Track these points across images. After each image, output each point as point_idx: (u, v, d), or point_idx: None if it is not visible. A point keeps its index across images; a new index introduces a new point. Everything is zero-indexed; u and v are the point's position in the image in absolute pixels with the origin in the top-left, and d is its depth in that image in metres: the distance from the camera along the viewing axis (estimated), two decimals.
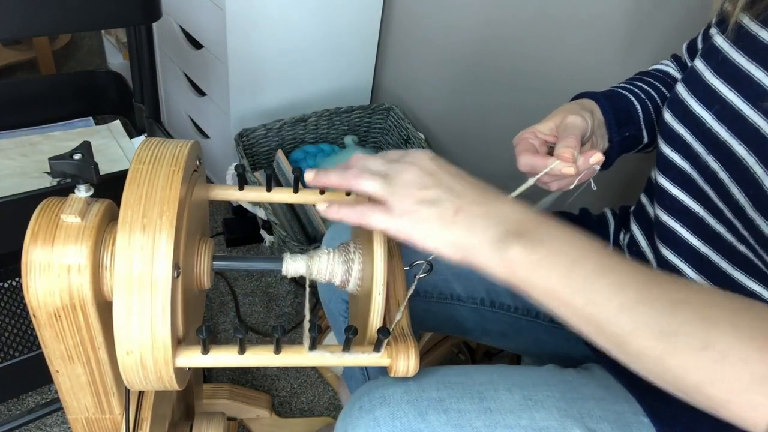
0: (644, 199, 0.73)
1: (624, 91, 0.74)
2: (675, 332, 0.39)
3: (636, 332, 0.41)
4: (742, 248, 0.58)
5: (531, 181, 0.60)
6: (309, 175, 0.52)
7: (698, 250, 0.62)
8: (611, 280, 0.42)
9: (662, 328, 0.40)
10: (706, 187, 0.61)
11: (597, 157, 0.60)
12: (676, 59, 0.79)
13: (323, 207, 0.51)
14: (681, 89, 0.64)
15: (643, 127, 0.73)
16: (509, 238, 0.45)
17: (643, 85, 0.76)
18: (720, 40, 0.61)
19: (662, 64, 0.80)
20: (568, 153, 0.59)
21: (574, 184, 0.63)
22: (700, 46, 0.73)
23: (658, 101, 0.74)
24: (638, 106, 0.73)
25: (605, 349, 0.43)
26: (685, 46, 0.77)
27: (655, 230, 0.67)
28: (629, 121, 0.72)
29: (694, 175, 0.62)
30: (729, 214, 0.58)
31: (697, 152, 0.61)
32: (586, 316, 0.42)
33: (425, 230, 0.46)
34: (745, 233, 0.56)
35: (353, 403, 0.59)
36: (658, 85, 0.76)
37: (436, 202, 0.46)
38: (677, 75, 0.77)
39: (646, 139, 0.74)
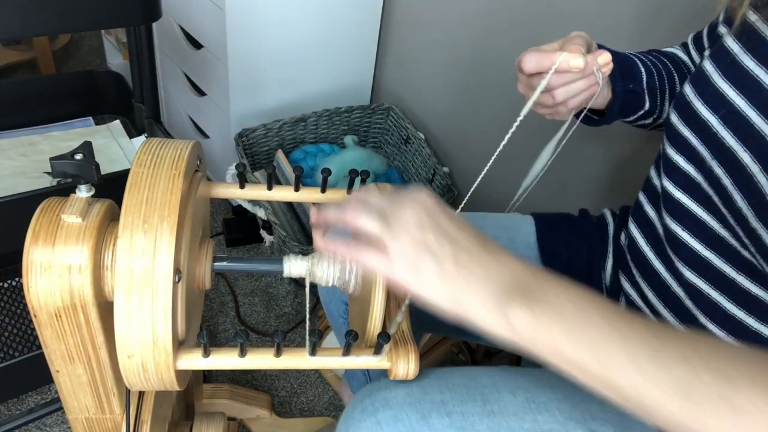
0: (642, 198, 0.72)
1: (628, 54, 0.72)
2: (691, 387, 0.38)
3: (652, 390, 0.39)
4: (746, 254, 0.57)
5: (543, 84, 0.57)
6: (312, 214, 0.52)
7: (699, 254, 0.61)
8: (622, 339, 0.41)
9: (678, 384, 0.39)
10: (711, 192, 0.60)
11: (605, 57, 0.58)
12: (685, 46, 0.78)
13: (319, 243, 0.50)
14: (688, 90, 0.62)
15: (646, 90, 0.71)
16: (511, 298, 0.43)
17: (649, 56, 0.74)
18: (730, 42, 0.59)
19: (670, 47, 0.79)
20: (575, 48, 0.57)
21: (580, 92, 0.60)
22: (706, 42, 0.72)
23: (663, 74, 0.73)
24: (642, 69, 0.71)
25: (622, 406, 0.42)
26: (691, 37, 0.75)
27: (663, 235, 0.66)
28: (633, 77, 0.70)
29: (699, 178, 0.61)
30: (732, 221, 0.57)
31: (702, 156, 0.60)
32: (599, 376, 0.41)
33: (423, 282, 0.45)
34: (747, 241, 0.56)
35: (355, 406, 0.58)
36: (665, 60, 0.75)
37: (435, 252, 0.45)
38: (685, 58, 0.76)
39: (647, 105, 0.72)
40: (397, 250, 0.45)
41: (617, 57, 0.69)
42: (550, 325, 0.42)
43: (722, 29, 0.64)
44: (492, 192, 1.40)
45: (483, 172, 0.56)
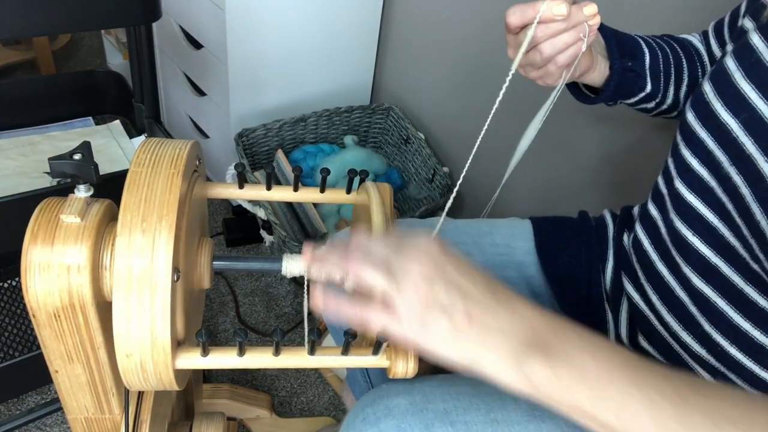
0: (650, 204, 0.70)
1: (634, 35, 0.70)
2: None
3: None
4: (755, 267, 0.55)
5: (530, 33, 0.56)
6: (305, 259, 0.49)
7: (708, 261, 0.59)
8: (645, 397, 0.40)
9: None
10: (725, 199, 0.57)
11: (591, 8, 0.56)
12: (704, 35, 0.75)
13: (321, 305, 0.47)
14: (707, 88, 0.59)
15: (648, 72, 0.69)
16: (528, 353, 0.42)
17: (658, 40, 0.72)
18: (756, 39, 0.56)
19: (686, 35, 0.76)
20: None
21: (567, 46, 0.57)
22: (726, 33, 0.69)
23: (671, 58, 0.71)
24: (646, 50, 0.69)
25: None
26: (712, 25, 0.72)
27: (668, 237, 0.64)
28: (634, 56, 0.68)
29: (713, 183, 0.58)
30: (746, 232, 0.55)
31: (718, 161, 0.57)
32: None
33: (434, 340, 0.43)
34: (762, 256, 0.53)
35: (356, 414, 0.58)
36: (675, 45, 0.72)
37: (445, 307, 0.43)
38: (700, 47, 0.74)
39: (649, 87, 0.69)
40: (406, 307, 0.43)
41: (619, 36, 0.67)
42: (570, 383, 0.41)
43: (748, 24, 0.60)
44: (492, 195, 1.40)
45: (472, 154, 0.56)
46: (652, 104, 0.72)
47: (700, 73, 0.73)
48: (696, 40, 0.75)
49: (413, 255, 0.45)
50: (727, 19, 0.70)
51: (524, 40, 0.56)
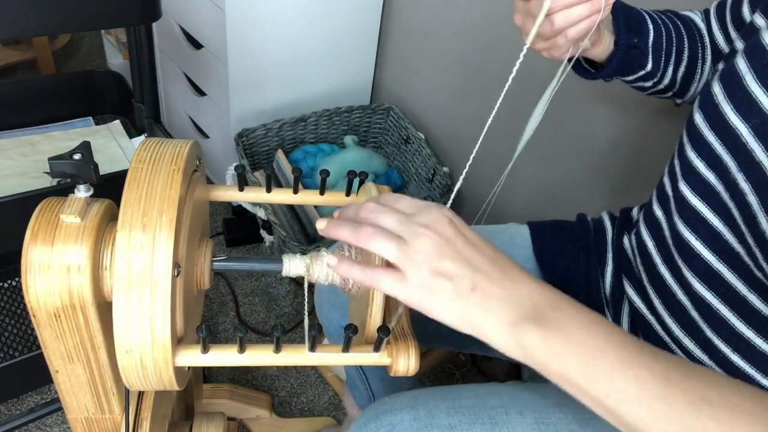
0: (653, 198, 0.69)
1: (640, 10, 0.69)
2: None
3: (654, 428, 0.40)
4: (758, 275, 0.54)
5: (546, 4, 0.54)
6: (321, 224, 0.50)
7: (711, 266, 0.58)
8: (631, 374, 0.41)
9: (681, 428, 0.39)
10: (731, 205, 0.55)
11: None
12: (706, 14, 0.73)
13: (334, 261, 0.50)
14: (717, 90, 0.56)
15: (650, 49, 0.68)
16: (525, 323, 0.44)
17: (662, 16, 0.71)
18: None
19: (689, 11, 0.74)
20: None
21: (581, 19, 0.56)
22: (729, 17, 0.68)
23: (673, 36, 0.69)
24: (651, 26, 0.68)
25: None
26: (714, 5, 0.70)
27: (671, 239, 0.63)
28: (639, 32, 0.67)
29: (719, 188, 0.57)
30: (750, 240, 0.53)
31: (726, 166, 0.55)
32: (605, 406, 0.42)
33: (438, 302, 0.45)
34: (765, 265, 0.52)
35: (359, 430, 0.57)
36: (678, 22, 0.71)
37: (452, 277, 0.45)
38: (702, 25, 0.72)
39: (649, 65, 0.68)
40: (416, 279, 0.45)
41: (626, 10, 0.66)
42: (561, 351, 0.43)
43: (760, 21, 0.57)
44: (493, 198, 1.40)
45: (473, 154, 0.56)
46: (649, 83, 0.71)
47: (699, 54, 0.71)
48: (698, 19, 0.73)
49: (425, 231, 0.46)
50: (729, 3, 0.68)
51: (540, 10, 0.55)
